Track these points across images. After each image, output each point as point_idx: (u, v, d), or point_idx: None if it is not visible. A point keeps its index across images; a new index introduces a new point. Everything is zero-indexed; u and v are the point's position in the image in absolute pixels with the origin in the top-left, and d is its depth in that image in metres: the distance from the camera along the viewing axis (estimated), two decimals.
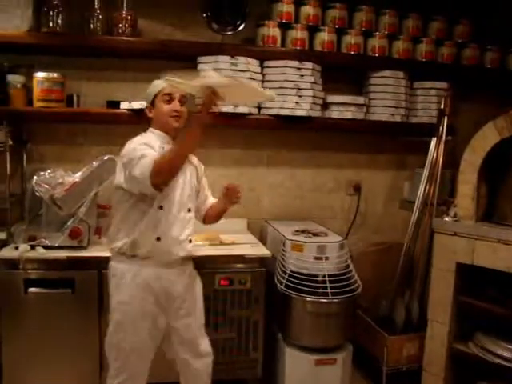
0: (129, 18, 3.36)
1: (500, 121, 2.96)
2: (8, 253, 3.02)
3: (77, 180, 3.12)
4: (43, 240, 3.08)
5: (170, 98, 2.52)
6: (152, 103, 2.58)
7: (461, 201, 3.15)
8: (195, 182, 2.68)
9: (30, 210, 3.22)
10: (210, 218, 2.84)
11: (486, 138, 3.02)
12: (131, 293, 2.48)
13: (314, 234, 3.42)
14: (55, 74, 3.28)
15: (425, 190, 3.64)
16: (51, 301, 3.03)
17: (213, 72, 2.55)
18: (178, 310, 2.59)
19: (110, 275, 2.59)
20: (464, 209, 3.12)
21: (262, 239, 3.68)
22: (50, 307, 3.03)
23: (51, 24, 3.25)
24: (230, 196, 2.68)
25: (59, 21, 3.26)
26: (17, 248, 3.02)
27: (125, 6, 3.35)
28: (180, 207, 2.53)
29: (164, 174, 2.33)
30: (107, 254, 2.80)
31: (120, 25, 3.35)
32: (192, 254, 2.66)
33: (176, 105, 2.52)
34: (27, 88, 3.33)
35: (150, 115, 2.60)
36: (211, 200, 2.85)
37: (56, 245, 3.08)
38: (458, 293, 3.14)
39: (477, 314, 3.12)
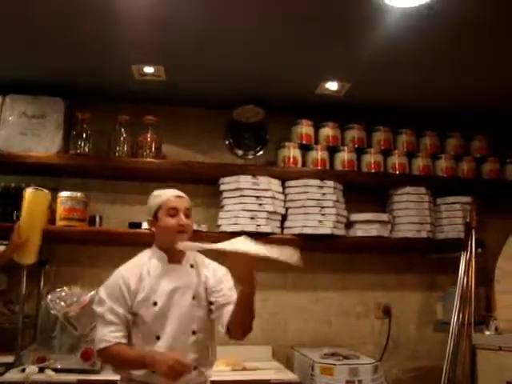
0: (153, 141, 3.49)
1: None
2: (13, 375, 2.80)
3: (93, 298, 3.00)
4: (53, 362, 2.88)
5: (175, 212, 2.31)
6: (155, 216, 2.34)
7: (501, 312, 2.94)
8: (204, 296, 2.32)
9: (42, 330, 3.05)
10: (234, 329, 2.27)
11: None
12: None
13: (345, 357, 3.16)
14: (78, 194, 3.33)
15: (459, 310, 3.42)
16: None
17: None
18: None
19: None
20: (505, 321, 2.91)
21: (289, 367, 3.40)
22: None
23: (79, 146, 3.39)
24: None
25: (87, 144, 3.41)
26: (23, 370, 2.81)
27: (150, 130, 3.50)
28: (179, 332, 2.22)
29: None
30: None
31: (145, 148, 3.47)
32: (199, 380, 2.27)
33: (182, 218, 2.30)
34: (51, 210, 3.36)
35: (153, 229, 2.38)
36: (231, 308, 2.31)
37: (66, 367, 2.87)
38: None
39: None
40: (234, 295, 2.30)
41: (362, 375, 2.97)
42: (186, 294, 2.28)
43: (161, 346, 2.17)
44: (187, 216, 2.33)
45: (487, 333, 2.95)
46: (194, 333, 2.25)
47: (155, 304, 2.22)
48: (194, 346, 2.24)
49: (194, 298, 2.29)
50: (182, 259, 2.35)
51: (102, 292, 2.27)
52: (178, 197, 2.35)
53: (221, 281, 2.36)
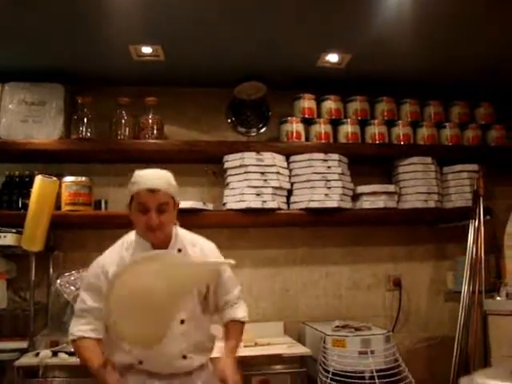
0: (155, 123, 3.47)
1: None
2: (27, 360, 2.82)
3: None
4: (66, 345, 2.90)
5: (145, 209, 2.05)
6: (130, 204, 2.13)
7: (511, 277, 2.92)
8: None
9: (53, 315, 3.09)
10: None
11: None
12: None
13: (357, 329, 3.16)
14: (83, 178, 3.32)
15: (470, 278, 3.40)
16: None
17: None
18: None
19: None
20: None
21: (301, 341, 3.41)
22: None
23: (81, 131, 3.37)
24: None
25: (89, 128, 3.39)
26: (37, 355, 2.84)
27: (151, 112, 3.47)
28: None
29: None
30: None
31: (147, 129, 3.45)
32: (191, 368, 2.17)
33: (152, 217, 2.04)
34: (56, 195, 3.36)
35: (129, 216, 2.15)
36: (231, 313, 2.28)
37: None
38: None
39: None
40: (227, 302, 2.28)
41: (375, 346, 2.97)
42: None
43: None
44: (162, 211, 2.07)
45: (498, 298, 2.93)
46: (182, 322, 2.13)
47: None
48: (182, 335, 2.12)
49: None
50: (168, 244, 2.17)
51: (83, 282, 2.21)
52: (151, 191, 2.05)
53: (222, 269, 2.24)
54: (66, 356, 2.84)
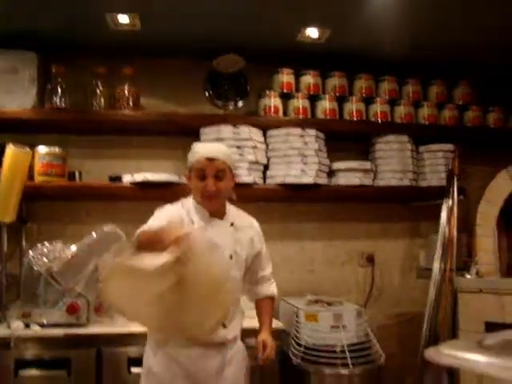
0: (131, 94, 3.41)
1: None
2: None
3: (75, 252, 2.99)
4: (38, 317, 2.88)
5: (203, 175, 2.20)
6: (190, 172, 2.28)
7: (481, 256, 2.99)
8: (242, 254, 2.31)
9: (26, 287, 3.04)
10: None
11: (500, 187, 2.93)
12: (160, 360, 2.19)
13: (329, 304, 3.21)
14: (56, 149, 3.26)
15: (442, 256, 3.46)
16: None
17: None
18: None
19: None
20: (486, 264, 2.96)
21: (274, 315, 3.42)
22: None
23: (54, 101, 3.30)
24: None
25: (63, 98, 3.32)
26: (9, 326, 2.81)
27: (127, 83, 3.40)
28: None
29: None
30: (108, 330, 2.60)
31: (123, 100, 3.39)
32: (228, 338, 2.26)
33: (209, 184, 2.19)
34: (29, 166, 3.30)
35: (189, 185, 2.31)
36: (263, 290, 2.47)
37: (52, 322, 2.86)
38: None
39: None
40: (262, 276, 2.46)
41: (346, 321, 3.02)
42: (224, 251, 2.25)
43: None
44: (219, 178, 2.21)
45: (468, 277, 2.99)
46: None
47: None
48: None
49: (231, 257, 2.26)
50: (223, 215, 2.30)
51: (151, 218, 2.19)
52: (209, 159, 2.20)
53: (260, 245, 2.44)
54: (38, 328, 2.82)
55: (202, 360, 2.20)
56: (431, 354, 0.76)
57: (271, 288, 2.49)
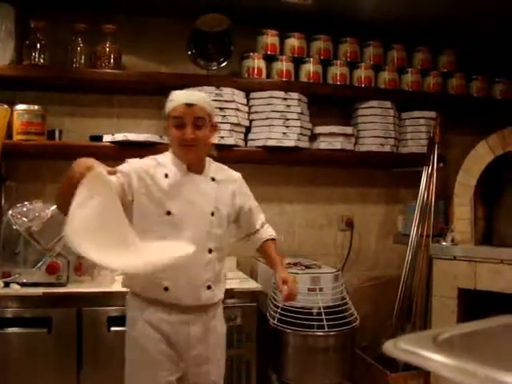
0: (113, 51, 3.34)
1: (493, 139, 2.91)
2: None
3: (55, 212, 2.98)
4: (18, 276, 2.89)
5: (181, 123, 2.11)
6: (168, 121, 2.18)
7: (457, 224, 3.04)
8: (224, 210, 2.23)
9: (5, 246, 3.03)
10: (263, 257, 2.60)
11: (480, 157, 2.96)
12: (141, 329, 2.15)
13: (307, 267, 3.26)
14: (36, 107, 3.20)
15: (419, 222, 3.52)
16: (25, 341, 2.79)
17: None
18: (195, 357, 2.19)
19: (126, 307, 2.29)
20: (461, 232, 3.01)
21: (253, 277, 3.49)
22: (24, 349, 2.78)
23: (33, 57, 3.22)
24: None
25: (42, 55, 3.24)
26: None
27: (108, 40, 3.33)
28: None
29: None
30: (88, 289, 2.61)
31: (104, 58, 3.32)
32: (214, 301, 2.22)
33: (187, 132, 2.09)
34: (8, 124, 3.24)
35: (167, 135, 2.24)
36: (263, 234, 2.44)
37: (32, 281, 2.88)
38: (461, 321, 2.96)
39: None
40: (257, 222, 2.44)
41: (323, 283, 3.08)
42: (203, 208, 2.16)
43: None
44: (198, 127, 2.11)
45: (444, 244, 3.06)
46: (210, 251, 2.16)
47: (168, 213, 2.09)
48: (209, 264, 2.15)
49: (212, 214, 2.17)
50: (202, 170, 2.21)
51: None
52: (187, 105, 2.10)
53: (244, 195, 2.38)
54: (18, 287, 2.83)
55: (184, 327, 2.14)
56: (389, 347, 0.78)
57: (268, 231, 2.46)
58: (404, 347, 0.76)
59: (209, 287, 2.16)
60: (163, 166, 2.17)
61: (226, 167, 2.36)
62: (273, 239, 2.47)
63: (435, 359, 0.71)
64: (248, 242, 2.48)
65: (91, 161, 1.79)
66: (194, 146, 2.12)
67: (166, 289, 2.09)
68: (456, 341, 0.82)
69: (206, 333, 2.20)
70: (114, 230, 1.78)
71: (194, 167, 2.19)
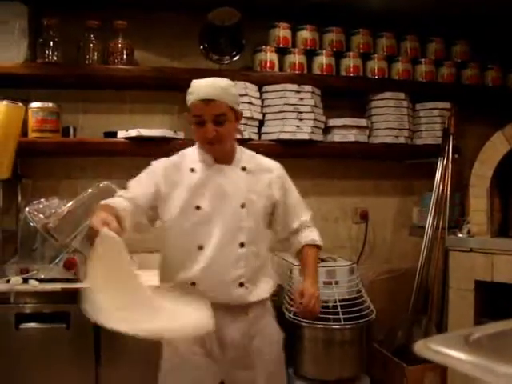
0: (125, 47, 3.34)
1: (509, 129, 2.88)
2: None
3: (71, 208, 3.00)
4: (36, 272, 2.92)
5: (200, 121, 2.00)
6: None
7: (474, 216, 3.02)
8: (259, 202, 2.10)
9: (22, 243, 3.07)
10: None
11: (496, 148, 2.93)
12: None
13: (322, 260, 3.25)
14: (50, 104, 3.22)
15: (435, 214, 3.50)
16: (44, 337, 2.83)
17: None
18: (232, 361, 2.08)
19: None
20: (478, 224, 2.99)
21: None
22: (43, 344, 2.82)
23: (47, 55, 3.24)
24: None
25: (55, 52, 3.25)
26: (8, 281, 2.85)
27: (120, 36, 3.33)
28: (224, 242, 2.01)
29: None
30: None
31: (116, 54, 3.33)
32: (249, 300, 2.06)
33: (208, 129, 1.98)
34: (23, 122, 3.27)
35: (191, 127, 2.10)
36: (302, 238, 2.22)
37: (50, 277, 2.91)
38: (478, 314, 2.95)
39: None
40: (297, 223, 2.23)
41: (339, 276, 3.08)
42: (233, 200, 2.05)
43: (204, 257, 1.99)
44: (218, 123, 1.99)
45: (460, 235, 3.04)
46: (242, 245, 2.03)
47: (198, 208, 2.03)
48: (240, 260, 2.03)
49: (242, 206, 2.05)
50: (231, 160, 2.12)
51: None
52: (205, 101, 1.97)
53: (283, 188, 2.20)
54: (36, 283, 2.86)
55: (217, 327, 1.85)
56: (420, 348, 0.78)
57: (311, 235, 2.23)
58: (435, 348, 0.76)
59: (241, 284, 2.03)
60: (190, 160, 2.13)
61: (262, 156, 2.25)
62: (315, 245, 2.24)
63: (467, 360, 0.71)
64: (286, 245, 2.28)
65: (101, 219, 1.73)
66: (218, 141, 2.04)
67: (194, 284, 2.01)
68: (486, 341, 0.82)
69: (246, 337, 2.08)
70: (121, 289, 1.76)
71: (222, 158, 2.11)
